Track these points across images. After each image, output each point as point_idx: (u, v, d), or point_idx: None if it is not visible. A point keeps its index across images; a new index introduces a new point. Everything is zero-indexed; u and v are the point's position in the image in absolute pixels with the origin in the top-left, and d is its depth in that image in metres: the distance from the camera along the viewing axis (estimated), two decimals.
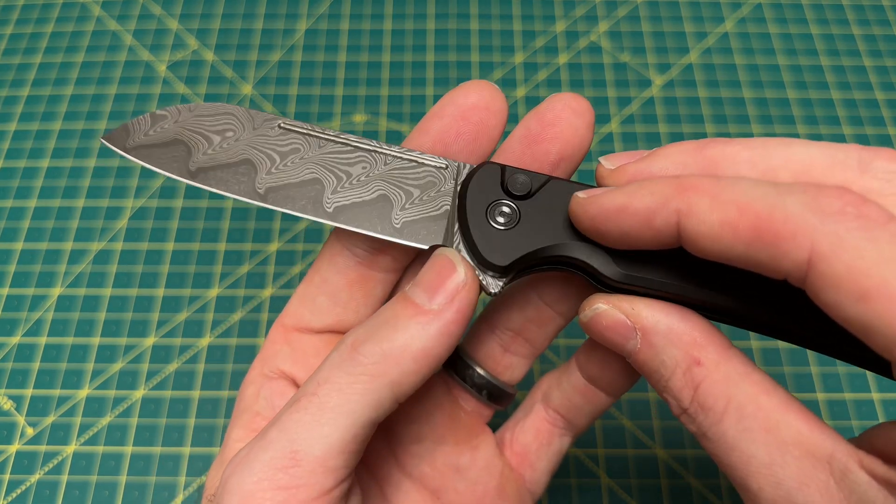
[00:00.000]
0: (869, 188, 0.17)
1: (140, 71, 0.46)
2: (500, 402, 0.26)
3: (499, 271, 0.20)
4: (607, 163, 0.20)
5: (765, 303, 0.19)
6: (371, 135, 0.43)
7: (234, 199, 0.21)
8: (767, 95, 0.44)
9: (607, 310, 0.20)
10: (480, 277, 0.20)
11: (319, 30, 0.47)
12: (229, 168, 0.22)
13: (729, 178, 0.17)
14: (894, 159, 0.17)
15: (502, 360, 0.26)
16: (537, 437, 0.26)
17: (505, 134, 0.24)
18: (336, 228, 0.23)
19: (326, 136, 0.22)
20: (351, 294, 0.23)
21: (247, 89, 0.45)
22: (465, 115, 0.22)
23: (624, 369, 0.23)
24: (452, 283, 0.19)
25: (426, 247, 0.21)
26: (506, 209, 0.21)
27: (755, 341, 0.37)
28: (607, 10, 0.48)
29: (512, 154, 0.22)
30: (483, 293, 0.21)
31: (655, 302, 0.19)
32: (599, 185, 0.20)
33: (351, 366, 0.19)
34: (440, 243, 0.21)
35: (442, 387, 0.26)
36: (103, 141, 0.22)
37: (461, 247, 0.21)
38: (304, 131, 0.22)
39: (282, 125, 0.22)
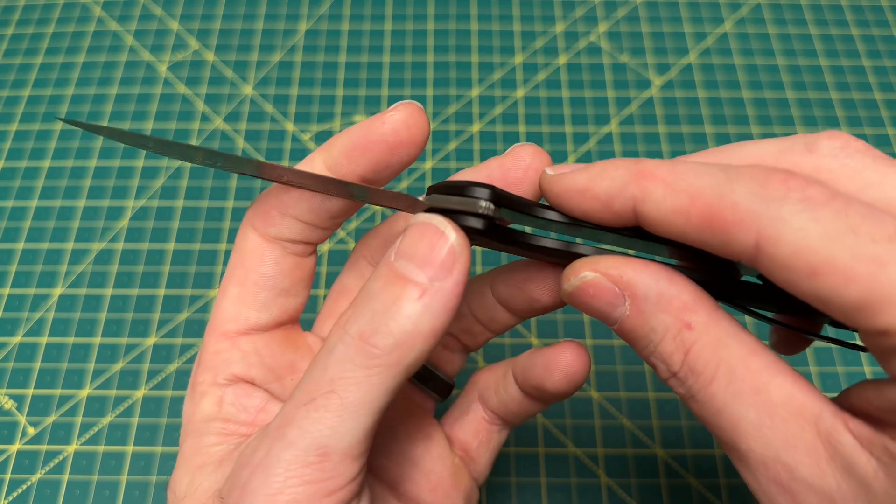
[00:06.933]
0: (817, 166, 0.18)
1: (141, 71, 0.46)
2: (442, 395, 0.27)
3: (486, 196, 0.19)
4: (550, 171, 0.20)
5: (725, 275, 0.20)
6: None
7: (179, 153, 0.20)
8: (766, 96, 0.44)
9: (595, 277, 0.19)
10: (468, 221, 0.19)
11: (320, 30, 0.47)
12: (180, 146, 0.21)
13: (684, 163, 0.18)
14: (836, 137, 0.18)
15: (441, 355, 0.26)
16: (476, 435, 0.27)
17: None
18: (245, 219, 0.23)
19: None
20: (292, 281, 0.23)
21: (247, 90, 0.45)
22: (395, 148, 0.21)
23: (562, 385, 0.23)
24: (445, 251, 0.18)
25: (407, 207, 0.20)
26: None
27: None
28: (607, 10, 0.48)
29: None
30: (474, 232, 0.20)
31: (640, 263, 0.19)
32: (541, 190, 0.21)
33: (364, 359, 0.18)
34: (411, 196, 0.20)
35: None
36: (61, 119, 0.22)
37: (436, 198, 0.20)
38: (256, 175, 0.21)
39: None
